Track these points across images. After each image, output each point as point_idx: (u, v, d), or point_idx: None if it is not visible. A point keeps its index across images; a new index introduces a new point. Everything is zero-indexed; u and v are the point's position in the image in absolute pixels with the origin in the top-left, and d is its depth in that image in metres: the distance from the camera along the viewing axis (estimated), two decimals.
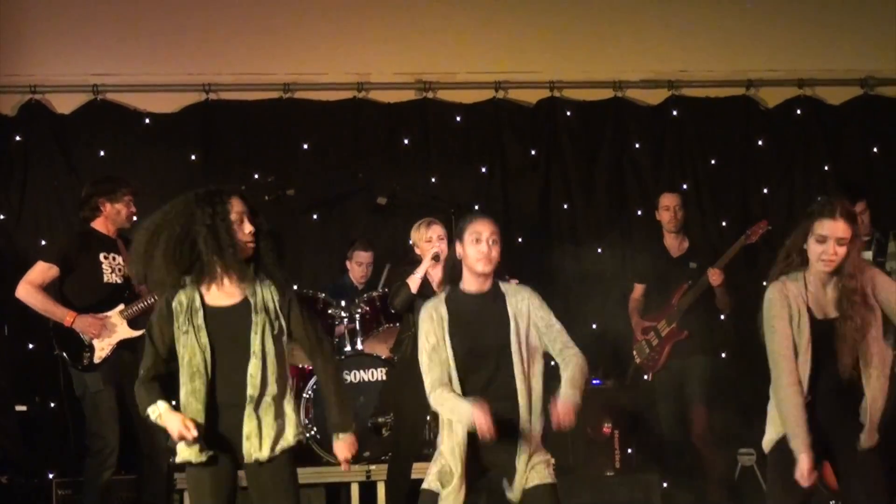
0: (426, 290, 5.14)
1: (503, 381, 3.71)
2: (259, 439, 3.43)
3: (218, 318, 3.46)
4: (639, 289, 6.12)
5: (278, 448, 3.46)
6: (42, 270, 5.16)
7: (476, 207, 6.89)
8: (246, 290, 3.49)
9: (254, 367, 3.43)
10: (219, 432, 3.46)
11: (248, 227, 3.46)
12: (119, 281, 5.21)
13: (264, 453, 3.44)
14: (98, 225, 5.26)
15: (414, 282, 5.15)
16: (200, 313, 3.45)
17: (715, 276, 5.71)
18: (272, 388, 3.45)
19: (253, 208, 3.52)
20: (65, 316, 5.09)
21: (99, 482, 5.07)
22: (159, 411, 3.43)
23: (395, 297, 5.20)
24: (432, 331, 3.77)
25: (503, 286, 3.86)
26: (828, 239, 3.57)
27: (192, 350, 3.42)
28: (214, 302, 3.48)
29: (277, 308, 3.50)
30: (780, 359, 3.59)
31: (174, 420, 3.39)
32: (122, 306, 5.19)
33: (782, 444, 3.62)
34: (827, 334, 3.61)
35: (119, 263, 5.21)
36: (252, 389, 3.41)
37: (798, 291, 3.63)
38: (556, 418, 3.63)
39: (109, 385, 5.10)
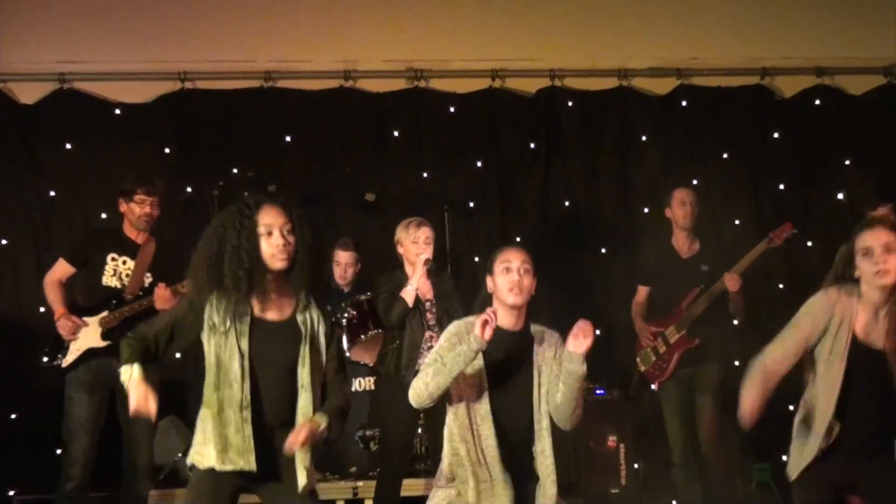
0: (416, 303, 5.17)
1: (524, 426, 3.89)
2: (306, 471, 3.51)
3: (264, 331, 3.52)
4: (642, 291, 6.11)
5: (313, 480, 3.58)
6: (60, 266, 5.42)
7: (471, 205, 6.91)
8: (294, 308, 3.56)
9: (304, 402, 3.50)
10: (263, 450, 3.47)
11: (277, 240, 3.47)
12: (117, 286, 5.31)
13: (308, 484, 3.53)
14: (126, 227, 5.42)
15: (409, 294, 5.17)
16: (247, 319, 3.51)
17: (732, 282, 5.71)
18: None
19: (293, 217, 3.54)
20: (56, 310, 5.29)
21: (62, 493, 5.17)
22: (131, 374, 3.45)
23: (389, 312, 5.20)
24: (457, 343, 3.85)
25: (534, 327, 3.97)
26: (872, 249, 3.65)
27: (230, 353, 3.46)
28: (261, 312, 3.54)
29: (322, 339, 3.58)
30: (777, 346, 3.77)
31: (135, 393, 3.42)
32: (105, 313, 5.28)
33: (808, 473, 3.70)
34: (868, 361, 3.66)
35: (129, 268, 5.32)
36: (301, 419, 3.48)
37: (848, 306, 3.69)
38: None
39: (82, 394, 5.19)
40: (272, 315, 3.55)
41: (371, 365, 5.87)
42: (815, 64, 7.19)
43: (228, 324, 3.47)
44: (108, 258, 5.33)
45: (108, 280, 5.31)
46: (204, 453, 3.48)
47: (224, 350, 3.47)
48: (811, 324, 3.73)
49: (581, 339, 3.76)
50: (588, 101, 7.13)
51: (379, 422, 5.50)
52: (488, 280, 3.98)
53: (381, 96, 7.01)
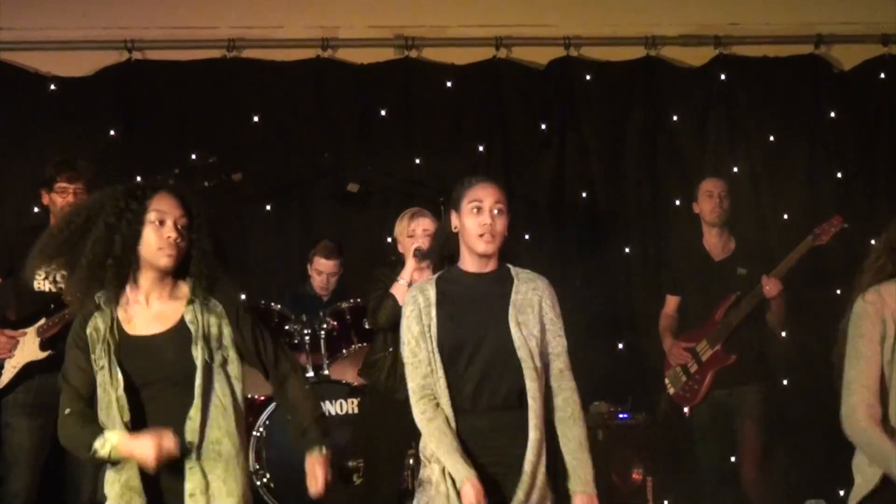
0: None
1: (499, 387, 3.80)
2: (206, 499, 3.52)
3: (141, 351, 3.54)
4: (672, 302, 6.27)
5: None
6: None
7: None
8: (183, 311, 3.59)
9: (194, 410, 3.52)
10: (159, 491, 3.52)
11: (169, 232, 3.53)
12: (52, 290, 5.43)
13: None
14: (52, 222, 5.51)
15: (399, 290, 5.27)
16: (117, 345, 3.52)
17: (771, 287, 5.81)
18: (222, 437, 3.56)
19: (193, 212, 3.58)
20: None
21: None
22: (112, 442, 3.44)
23: (377, 311, 5.31)
24: (416, 318, 3.86)
25: (514, 270, 3.95)
26: None
27: (108, 392, 3.50)
28: (137, 329, 3.56)
29: (221, 331, 3.61)
30: (859, 388, 3.66)
31: (140, 447, 3.39)
32: (42, 321, 5.45)
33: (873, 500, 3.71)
34: None
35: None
36: (191, 436, 3.51)
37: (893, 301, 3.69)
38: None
39: (21, 419, 5.37)
40: (150, 327, 3.57)
41: (355, 384, 6.02)
42: (880, 30, 7.30)
43: (104, 357, 3.50)
44: None
45: (41, 285, 5.41)
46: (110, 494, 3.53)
47: (103, 389, 3.50)
48: (873, 344, 3.68)
49: None
50: (609, 73, 7.26)
51: (363, 450, 5.63)
52: (453, 217, 3.93)
53: (365, 69, 7.13)
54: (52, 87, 6.92)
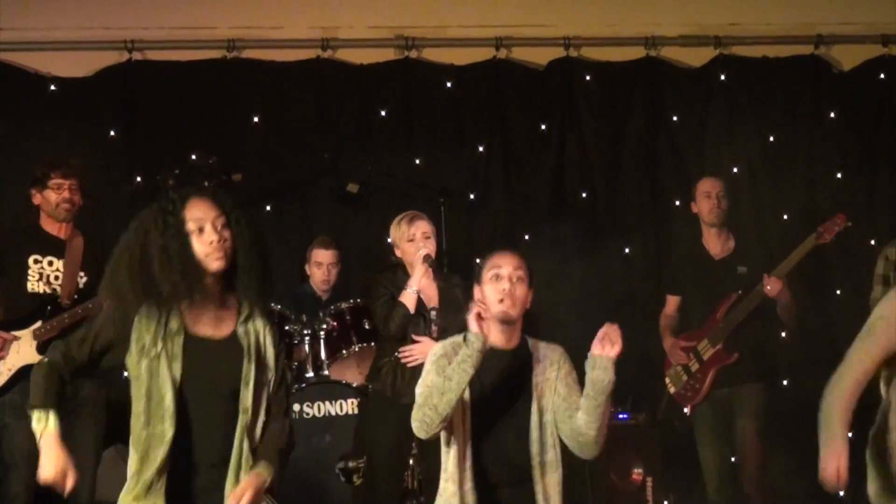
0: (419, 306, 5.34)
1: (521, 460, 3.93)
2: None
3: (199, 351, 3.56)
4: (672, 302, 6.30)
5: None
6: None
7: (472, 197, 7.05)
8: (236, 321, 3.62)
9: (242, 426, 3.56)
10: (190, 494, 3.54)
11: (210, 235, 3.53)
12: (47, 291, 5.48)
13: None
14: (44, 223, 5.58)
15: (409, 299, 5.33)
16: (180, 339, 3.53)
17: (772, 286, 5.83)
18: (255, 443, 3.61)
19: (228, 210, 3.59)
20: None
21: None
22: (46, 423, 3.49)
23: (389, 320, 5.35)
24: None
25: (532, 343, 4.04)
26: None
27: (160, 383, 3.51)
28: (197, 328, 3.58)
29: (270, 355, 3.65)
30: (857, 362, 3.75)
31: (52, 457, 3.45)
32: (38, 323, 5.45)
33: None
34: None
35: (57, 269, 5.51)
36: (237, 450, 3.55)
37: None
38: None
39: (18, 419, 5.31)
40: (209, 331, 3.60)
41: (355, 385, 6.04)
42: (880, 30, 7.34)
43: (160, 346, 3.51)
44: (30, 261, 5.49)
45: (35, 286, 5.47)
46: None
47: (156, 378, 3.51)
48: (891, 330, 3.77)
49: (608, 345, 3.80)
50: (609, 74, 7.29)
51: (364, 450, 5.65)
52: (476, 291, 4.03)
53: (365, 69, 7.16)
54: (52, 87, 6.94)
